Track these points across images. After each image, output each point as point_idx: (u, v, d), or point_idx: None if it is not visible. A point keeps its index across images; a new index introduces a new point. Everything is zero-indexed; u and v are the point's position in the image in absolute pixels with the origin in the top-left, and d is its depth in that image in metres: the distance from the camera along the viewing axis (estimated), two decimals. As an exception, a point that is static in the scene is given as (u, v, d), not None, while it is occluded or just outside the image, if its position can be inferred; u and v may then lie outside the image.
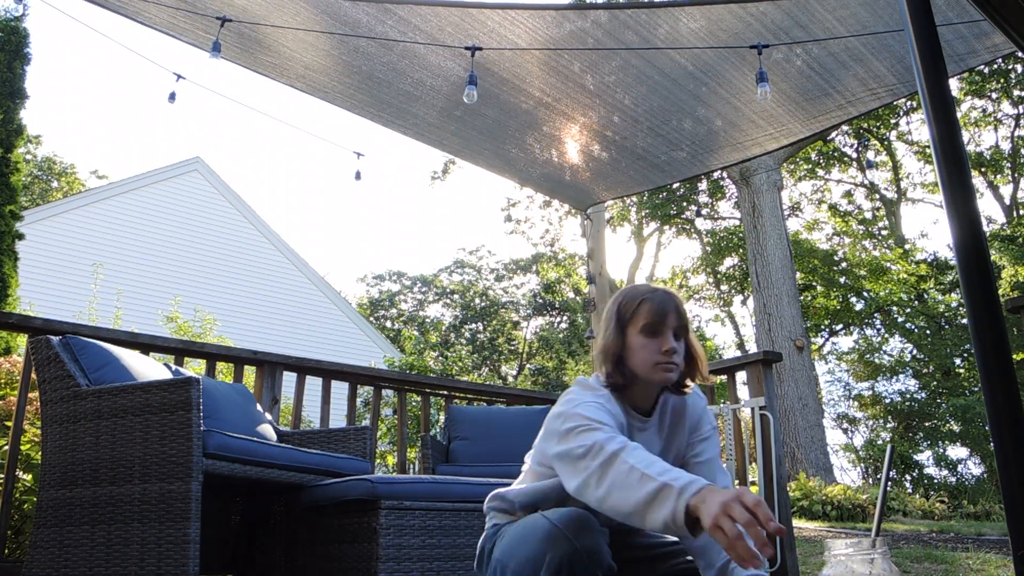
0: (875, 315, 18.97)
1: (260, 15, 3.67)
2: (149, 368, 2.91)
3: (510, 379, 24.48)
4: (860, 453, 14.82)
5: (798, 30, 3.49)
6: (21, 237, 6.24)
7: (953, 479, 13.84)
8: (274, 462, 2.71)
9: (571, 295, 24.00)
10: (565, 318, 24.25)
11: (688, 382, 1.75)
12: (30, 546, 2.52)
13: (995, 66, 14.06)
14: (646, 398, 1.75)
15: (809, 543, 5.24)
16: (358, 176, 4.67)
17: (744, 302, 21.89)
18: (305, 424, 5.22)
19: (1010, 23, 1.41)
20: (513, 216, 20.45)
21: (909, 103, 14.76)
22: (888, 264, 18.28)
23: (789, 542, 3.48)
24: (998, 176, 18.06)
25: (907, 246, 19.26)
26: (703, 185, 17.57)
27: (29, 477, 3.30)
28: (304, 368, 3.96)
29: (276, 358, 3.86)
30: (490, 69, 3.88)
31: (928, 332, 17.87)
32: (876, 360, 18.05)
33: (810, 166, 18.91)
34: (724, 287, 22.08)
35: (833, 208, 20.01)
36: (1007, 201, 18.25)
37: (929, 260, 18.70)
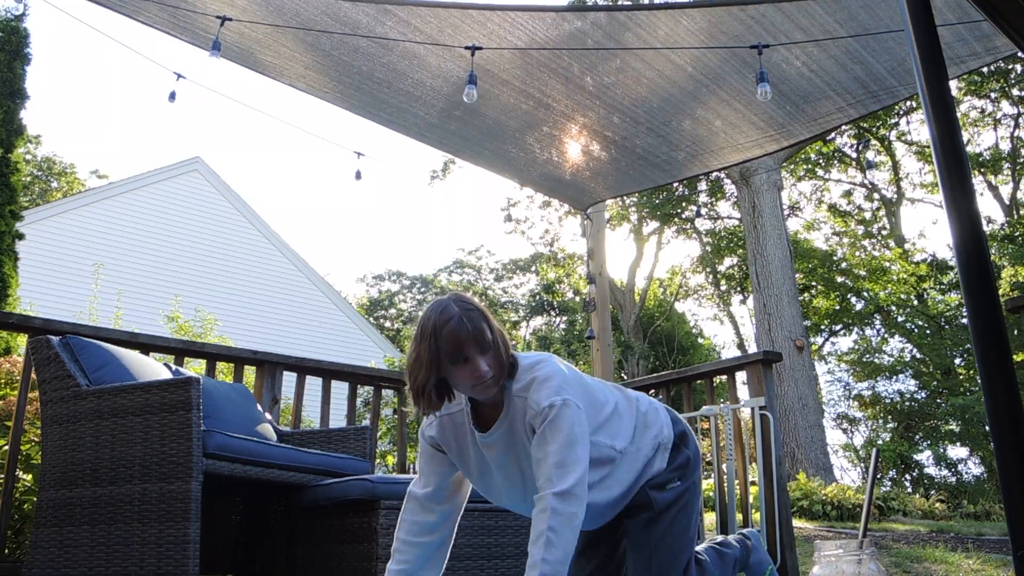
0: (875, 315, 18.96)
1: (260, 15, 3.67)
2: (149, 368, 2.91)
3: (510, 379, 24.39)
4: (860, 453, 14.83)
5: (798, 32, 3.49)
6: (21, 237, 6.23)
7: (953, 479, 13.85)
8: (274, 462, 2.71)
9: (570, 295, 23.98)
10: (564, 318, 24.25)
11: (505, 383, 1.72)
12: (30, 546, 2.52)
13: (995, 66, 14.06)
14: (490, 404, 1.74)
15: (809, 543, 5.24)
16: (358, 176, 4.67)
17: (744, 302, 21.89)
18: (305, 424, 5.21)
19: (1010, 23, 1.42)
20: (513, 216, 20.42)
21: (909, 103, 14.75)
22: (888, 264, 18.28)
23: (789, 542, 3.48)
24: (998, 176, 18.05)
25: (907, 246, 19.26)
26: (703, 185, 17.56)
27: (29, 477, 3.30)
28: (304, 368, 3.95)
29: (276, 358, 3.86)
30: (490, 70, 3.88)
31: (928, 332, 17.86)
32: (876, 360, 18.04)
33: (810, 166, 18.89)
34: (724, 287, 22.07)
35: (833, 208, 20.00)
36: (1007, 201, 18.25)
37: (929, 260, 18.69)
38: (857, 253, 19.84)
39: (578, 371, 1.84)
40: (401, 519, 1.85)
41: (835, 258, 19.26)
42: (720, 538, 2.27)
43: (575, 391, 1.71)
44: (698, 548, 2.12)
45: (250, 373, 4.32)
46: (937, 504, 8.61)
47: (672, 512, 1.87)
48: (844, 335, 20.37)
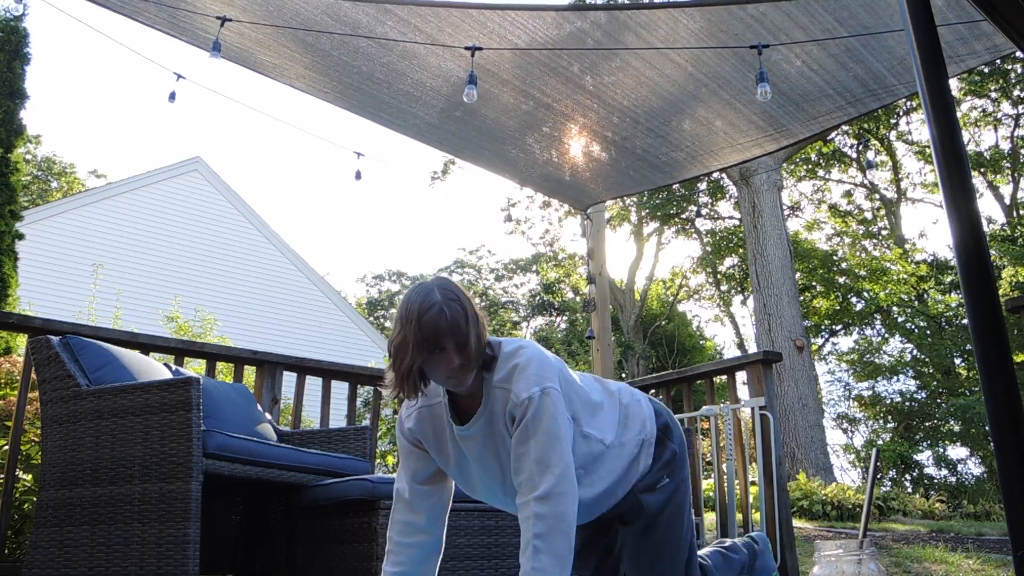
0: (875, 315, 18.96)
1: (260, 15, 3.67)
2: (149, 368, 2.91)
3: (510, 379, 24.38)
4: (860, 453, 14.83)
5: (797, 30, 3.48)
6: (21, 237, 6.23)
7: (953, 479, 13.84)
8: (274, 462, 2.71)
9: (571, 295, 23.98)
10: (564, 318, 24.25)
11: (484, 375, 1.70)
12: (30, 546, 2.52)
13: (995, 66, 14.06)
14: (469, 395, 1.73)
15: (809, 543, 5.24)
16: (358, 176, 4.67)
17: (744, 302, 21.89)
18: (305, 424, 5.21)
19: (1010, 23, 1.42)
20: (513, 216, 20.43)
21: (909, 103, 14.75)
22: (888, 264, 18.27)
23: (789, 542, 3.48)
24: (998, 176, 18.04)
25: (907, 246, 19.25)
26: (703, 185, 17.56)
27: (29, 477, 3.30)
28: (304, 368, 3.95)
29: (276, 358, 3.86)
30: (490, 70, 3.88)
31: (928, 332, 17.85)
32: (876, 360, 18.04)
33: (810, 166, 18.90)
34: (724, 287, 22.07)
35: (833, 208, 20.00)
36: (1007, 201, 18.24)
37: (929, 260, 18.69)
38: (857, 253, 19.83)
39: (559, 360, 1.81)
40: (392, 519, 1.84)
41: (835, 258, 19.26)
42: (728, 542, 2.25)
43: (556, 377, 1.68)
44: (703, 552, 2.11)
45: (250, 373, 4.32)
46: (937, 504, 8.61)
47: (667, 515, 1.84)
48: (844, 335, 20.38)
